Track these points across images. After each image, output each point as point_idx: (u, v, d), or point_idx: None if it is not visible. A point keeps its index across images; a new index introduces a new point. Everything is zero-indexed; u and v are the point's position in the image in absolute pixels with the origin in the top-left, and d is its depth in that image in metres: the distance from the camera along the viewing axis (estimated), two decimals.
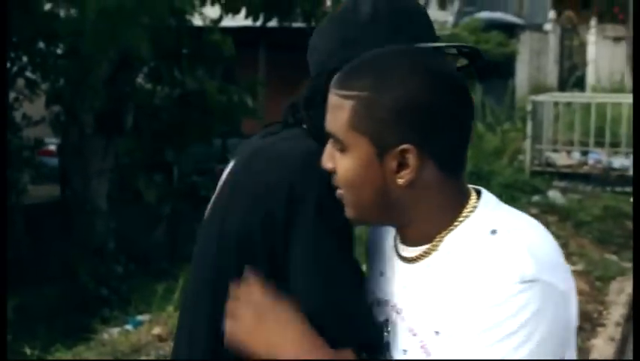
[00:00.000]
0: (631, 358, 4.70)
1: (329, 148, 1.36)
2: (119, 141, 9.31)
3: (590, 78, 21.32)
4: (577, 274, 7.31)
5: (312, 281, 1.44)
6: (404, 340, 1.35)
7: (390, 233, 1.46)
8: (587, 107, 12.34)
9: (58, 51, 8.90)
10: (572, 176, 11.46)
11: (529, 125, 11.78)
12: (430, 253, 1.35)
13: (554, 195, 10.14)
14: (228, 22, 9.96)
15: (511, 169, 11.16)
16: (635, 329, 1.07)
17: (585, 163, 11.80)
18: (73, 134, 8.96)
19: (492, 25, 18.25)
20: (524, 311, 1.21)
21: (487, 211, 1.34)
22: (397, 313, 1.37)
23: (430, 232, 1.35)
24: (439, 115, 1.30)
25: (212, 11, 9.78)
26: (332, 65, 1.55)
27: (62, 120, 9.07)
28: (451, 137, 1.32)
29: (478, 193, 1.39)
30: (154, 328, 5.93)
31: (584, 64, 22.26)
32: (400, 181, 1.31)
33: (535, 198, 9.96)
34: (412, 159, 1.30)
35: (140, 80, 10.11)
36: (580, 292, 6.95)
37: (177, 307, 5.44)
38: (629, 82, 20.14)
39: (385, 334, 1.39)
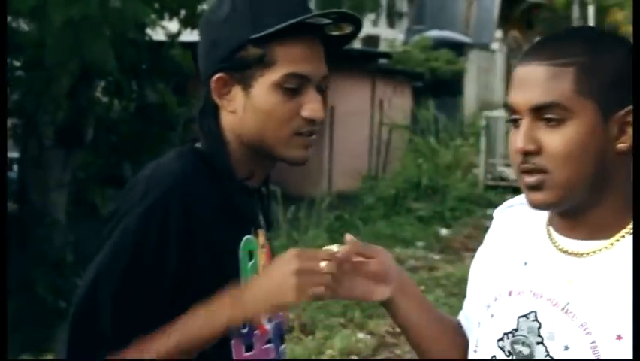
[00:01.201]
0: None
1: (526, 128, 1.29)
2: (78, 154, 9.27)
3: None
4: None
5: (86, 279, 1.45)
6: (569, 336, 1.30)
7: (530, 221, 1.43)
8: None
9: (17, 63, 8.84)
10: None
11: (483, 141, 12.03)
12: (601, 250, 1.32)
13: None
14: (187, 36, 10.01)
15: (465, 183, 11.37)
16: (635, 328, 1.12)
17: None
18: (32, 147, 8.90)
19: (441, 44, 18.56)
20: None
21: None
22: (557, 307, 1.33)
23: (608, 223, 1.32)
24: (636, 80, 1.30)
25: (172, 26, 9.81)
26: (209, 71, 1.53)
27: (20, 133, 9.01)
28: None
29: None
30: None
31: None
32: (621, 147, 1.29)
33: (490, 211, 10.09)
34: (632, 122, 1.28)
35: (97, 93, 10.08)
36: None
37: None
38: None
39: (534, 325, 1.35)
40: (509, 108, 1.33)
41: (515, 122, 1.32)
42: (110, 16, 7.56)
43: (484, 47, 21.41)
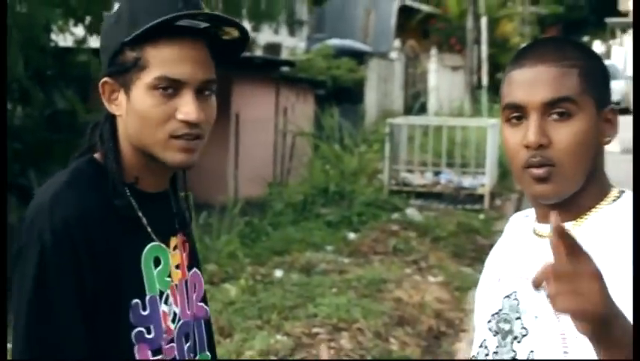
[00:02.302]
0: None
1: (538, 123, 1.44)
2: None
3: (432, 104, 22.37)
4: (438, 285, 7.77)
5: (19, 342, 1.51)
6: (537, 307, 1.45)
7: (522, 222, 1.59)
8: (438, 130, 13.07)
9: None
10: (426, 195, 12.09)
11: (387, 147, 12.32)
12: (572, 229, 1.44)
13: (412, 212, 10.65)
14: (95, 42, 9.94)
15: (370, 188, 11.60)
16: (635, 327, 1.25)
17: (438, 183, 12.48)
18: None
19: (342, 52, 18.83)
20: None
21: (629, 200, 1.48)
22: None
23: (583, 207, 1.48)
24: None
25: (79, 32, 9.73)
26: (101, 76, 1.60)
27: None
28: None
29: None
30: None
31: (427, 91, 23.33)
32: (606, 140, 1.48)
33: (395, 215, 10.43)
34: (614, 119, 1.49)
35: None
36: (442, 301, 7.43)
37: None
38: (467, 108, 21.29)
39: (514, 303, 1.50)
40: (513, 107, 1.47)
41: (510, 121, 1.48)
42: (17, 21, 7.48)
43: (383, 56, 21.84)
